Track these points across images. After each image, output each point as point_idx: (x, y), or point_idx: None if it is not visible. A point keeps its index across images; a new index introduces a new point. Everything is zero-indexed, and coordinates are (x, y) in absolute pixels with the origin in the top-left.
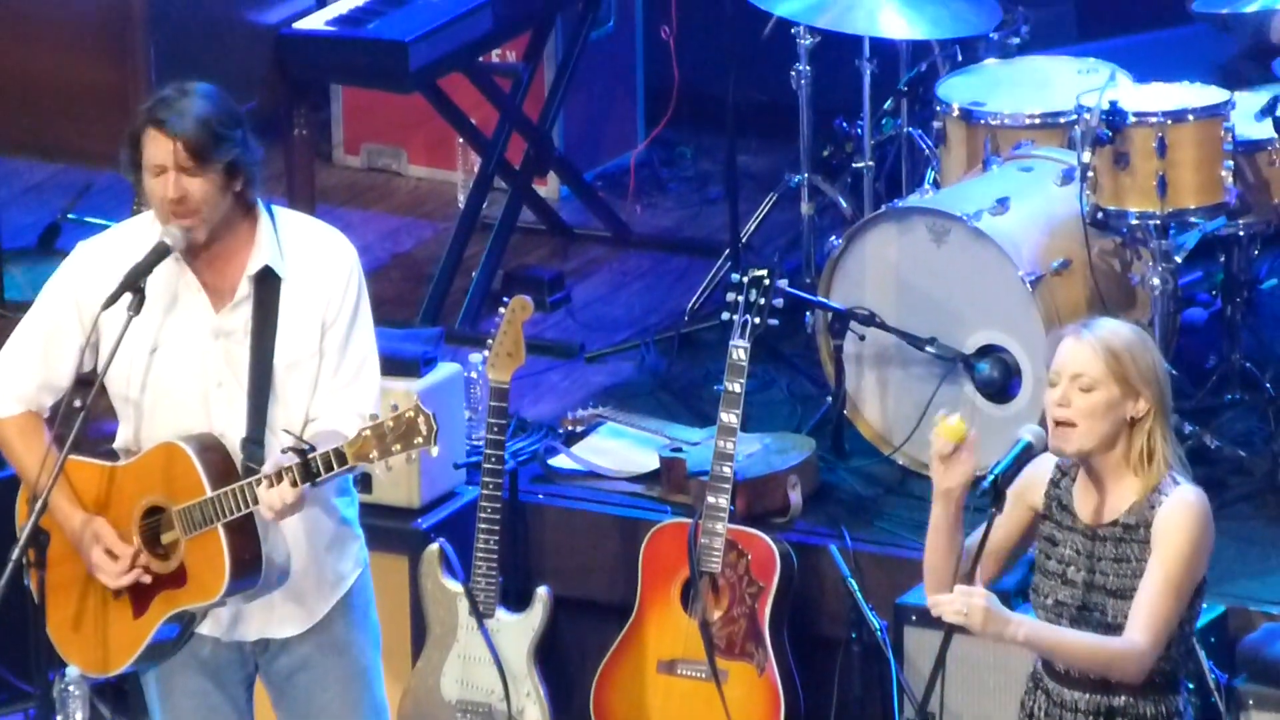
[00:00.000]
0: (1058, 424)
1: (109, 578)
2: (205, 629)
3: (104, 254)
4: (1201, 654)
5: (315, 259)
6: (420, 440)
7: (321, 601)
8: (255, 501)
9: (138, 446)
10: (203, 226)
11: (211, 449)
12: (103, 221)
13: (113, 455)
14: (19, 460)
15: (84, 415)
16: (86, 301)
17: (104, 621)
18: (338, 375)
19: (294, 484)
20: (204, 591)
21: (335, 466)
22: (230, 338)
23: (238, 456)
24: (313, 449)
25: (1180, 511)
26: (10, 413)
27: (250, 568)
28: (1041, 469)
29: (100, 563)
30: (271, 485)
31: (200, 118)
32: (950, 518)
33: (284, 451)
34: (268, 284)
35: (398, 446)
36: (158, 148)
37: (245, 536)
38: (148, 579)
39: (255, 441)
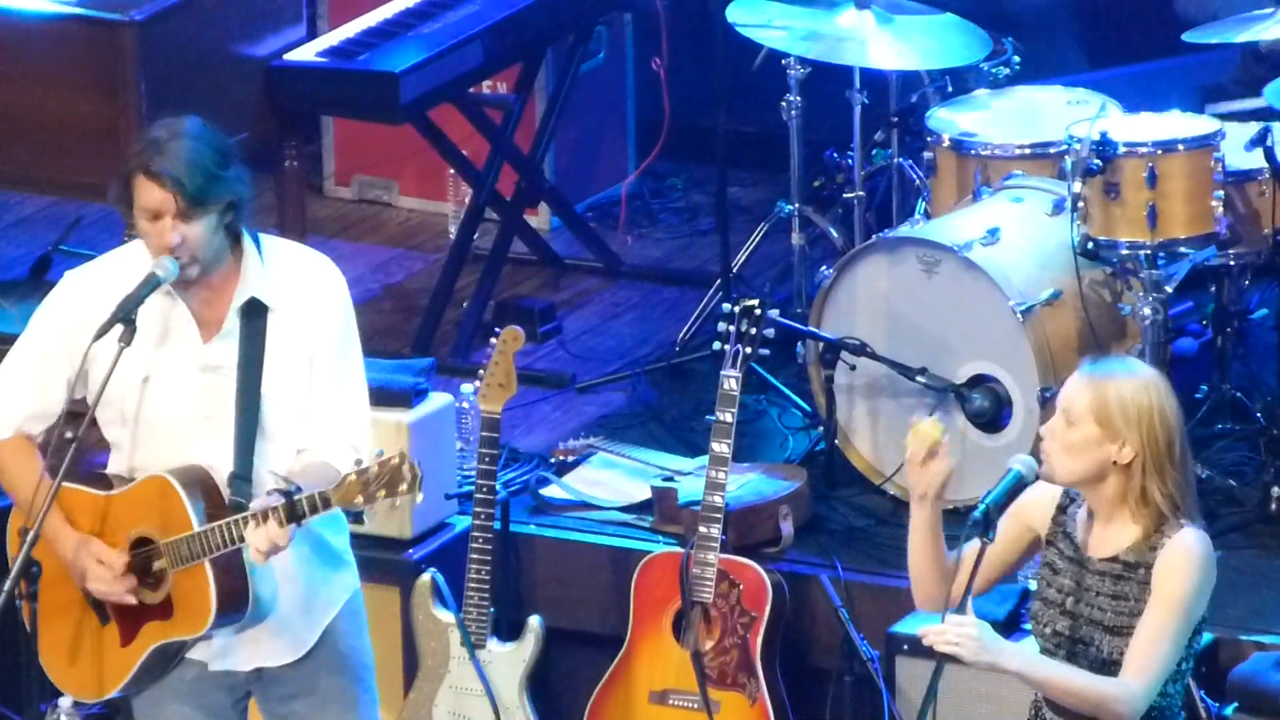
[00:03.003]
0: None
1: (103, 584)
2: (195, 654)
3: (92, 284)
4: (1193, 684)
5: (303, 288)
6: (404, 488)
7: (310, 631)
8: (241, 540)
9: (130, 475)
10: (198, 265)
11: (199, 484)
12: (94, 254)
13: (106, 481)
14: (13, 483)
15: (75, 446)
16: (74, 332)
17: (94, 648)
18: (328, 406)
19: (280, 524)
20: (191, 625)
21: (320, 509)
22: (218, 371)
23: (226, 492)
24: (299, 490)
25: (1180, 556)
26: (2, 437)
27: (236, 602)
28: (1047, 491)
29: (95, 572)
30: (258, 525)
31: (193, 163)
32: (929, 521)
33: (269, 493)
34: (255, 316)
35: (382, 493)
36: (151, 195)
37: (231, 572)
38: (132, 600)
39: (243, 478)
